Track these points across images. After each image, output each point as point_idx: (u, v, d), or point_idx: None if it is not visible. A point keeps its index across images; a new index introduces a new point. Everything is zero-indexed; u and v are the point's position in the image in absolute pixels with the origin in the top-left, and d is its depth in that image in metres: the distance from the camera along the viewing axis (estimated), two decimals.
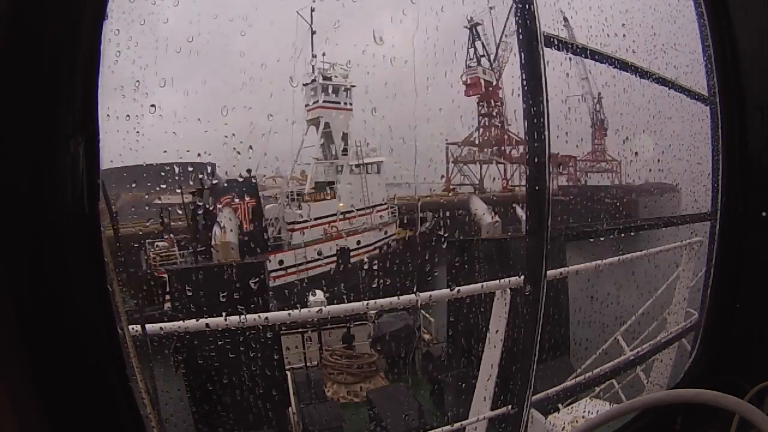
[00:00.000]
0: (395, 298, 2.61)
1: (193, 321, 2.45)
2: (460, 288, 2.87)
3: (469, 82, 29.94)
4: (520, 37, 1.99)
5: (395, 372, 9.18)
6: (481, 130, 31.09)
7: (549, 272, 2.24)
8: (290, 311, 2.61)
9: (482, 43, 30.10)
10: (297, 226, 17.92)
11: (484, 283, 2.91)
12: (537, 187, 2.07)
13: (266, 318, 2.66)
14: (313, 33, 20.67)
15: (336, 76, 20.85)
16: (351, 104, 21.28)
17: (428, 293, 2.90)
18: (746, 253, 2.45)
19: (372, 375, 8.91)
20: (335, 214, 19.13)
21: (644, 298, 4.56)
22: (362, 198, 20.19)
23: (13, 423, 0.95)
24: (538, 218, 2.11)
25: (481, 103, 30.32)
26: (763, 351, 2.30)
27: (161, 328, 2.22)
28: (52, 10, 0.97)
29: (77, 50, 1.02)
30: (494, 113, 30.26)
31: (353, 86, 21.11)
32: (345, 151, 21.10)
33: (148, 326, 1.96)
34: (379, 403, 6.93)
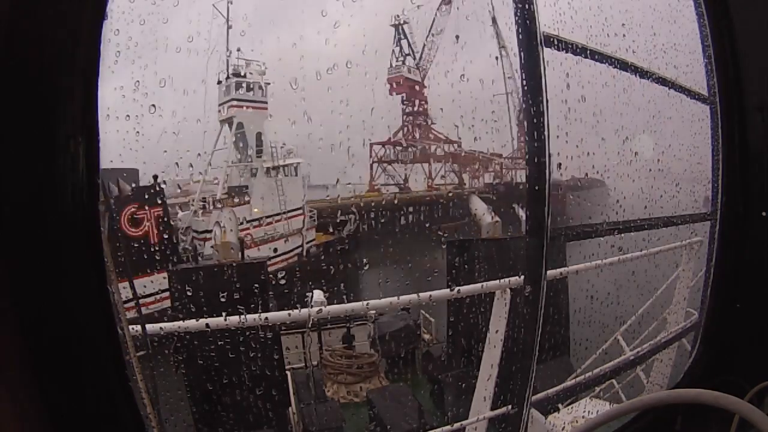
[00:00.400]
0: (395, 297, 2.62)
1: (193, 321, 2.46)
2: (460, 288, 2.87)
3: (393, 81, 29.46)
4: (520, 37, 1.99)
5: (395, 372, 9.17)
6: (405, 129, 30.60)
7: (549, 272, 2.24)
8: (290, 311, 2.62)
9: (408, 42, 29.83)
10: (208, 236, 15.33)
11: (484, 283, 2.91)
12: (537, 187, 2.07)
13: (266, 318, 2.66)
14: (229, 28, 18.71)
15: (251, 73, 19.15)
16: (266, 102, 19.57)
17: (428, 293, 2.90)
18: (746, 253, 2.45)
19: (372, 375, 8.91)
20: (250, 221, 17.48)
21: (644, 298, 4.56)
22: (279, 202, 18.44)
23: (13, 423, 0.95)
24: (538, 218, 2.11)
25: (405, 103, 29.86)
26: (763, 351, 2.30)
27: (161, 328, 2.22)
28: (53, 10, 0.97)
29: (77, 50, 1.02)
30: (419, 112, 29.81)
31: (269, 83, 19.33)
32: (260, 152, 19.22)
33: (148, 326, 1.96)
34: (379, 403, 6.92)
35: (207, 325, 2.39)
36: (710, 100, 2.61)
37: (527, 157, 2.08)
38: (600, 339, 4.60)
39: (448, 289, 3.08)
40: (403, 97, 29.89)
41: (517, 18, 1.98)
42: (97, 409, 1.12)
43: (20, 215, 0.98)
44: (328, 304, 2.74)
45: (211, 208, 17.25)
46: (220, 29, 18.61)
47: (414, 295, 2.68)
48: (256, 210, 18.15)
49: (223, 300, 5.09)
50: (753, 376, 2.00)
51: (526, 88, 2.01)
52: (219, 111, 19.42)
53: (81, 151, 1.04)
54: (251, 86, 19.22)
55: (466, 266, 6.38)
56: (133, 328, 1.39)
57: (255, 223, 17.69)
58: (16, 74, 0.93)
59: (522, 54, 2.00)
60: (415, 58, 29.98)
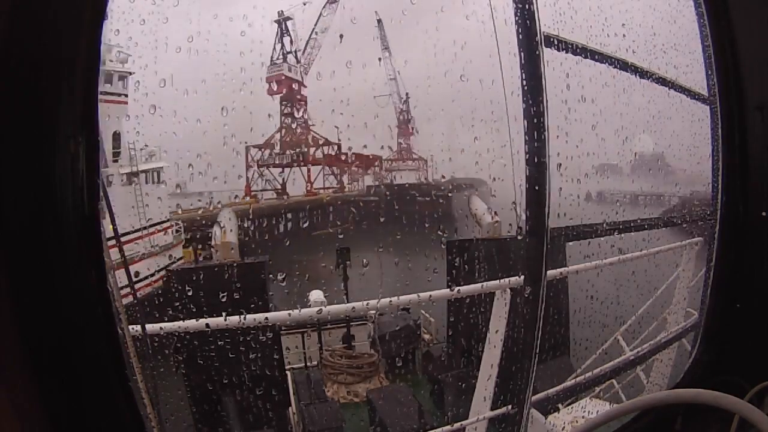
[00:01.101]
0: (395, 297, 2.62)
1: (193, 321, 2.46)
2: (460, 288, 2.88)
3: (273, 80, 26.73)
4: (520, 37, 1.99)
5: (395, 372, 9.17)
6: (284, 131, 27.87)
7: (549, 272, 2.24)
8: (290, 311, 2.62)
9: (291, 39, 27.17)
10: None
11: (484, 283, 2.92)
12: (537, 187, 2.07)
13: (266, 318, 2.66)
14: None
15: (111, 60, 15.62)
16: (126, 95, 15.96)
17: (428, 293, 2.91)
18: (746, 253, 2.45)
19: (372, 375, 8.91)
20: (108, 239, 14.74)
21: (644, 298, 4.56)
22: (139, 215, 15.20)
23: (13, 423, 0.95)
24: (538, 218, 2.11)
25: (284, 103, 27.25)
26: (763, 351, 2.30)
27: (161, 328, 2.22)
28: (53, 10, 0.97)
29: (77, 50, 1.02)
30: (297, 113, 27.33)
31: (131, 73, 15.86)
32: (116, 155, 15.68)
33: (148, 326, 1.96)
34: (379, 403, 6.92)
35: (207, 325, 2.39)
36: (710, 100, 2.61)
37: (527, 157, 2.08)
38: (600, 339, 4.60)
39: (448, 289, 3.09)
40: (282, 96, 27.25)
41: (517, 18, 1.98)
42: (97, 409, 1.12)
43: (20, 215, 0.98)
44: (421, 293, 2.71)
45: None
46: None
47: (414, 295, 2.68)
48: (110, 227, 15.00)
49: (223, 300, 5.09)
50: (753, 376, 2.00)
51: (526, 88, 2.01)
52: None
53: (81, 151, 1.04)
54: (110, 76, 15.49)
55: (466, 266, 6.38)
56: (133, 328, 1.39)
57: (110, 243, 14.68)
58: (16, 74, 0.93)
59: (522, 54, 2.00)
60: (297, 57, 27.19)
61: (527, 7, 1.95)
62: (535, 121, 2.03)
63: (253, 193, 26.31)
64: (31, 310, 0.99)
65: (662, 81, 2.73)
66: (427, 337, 10.32)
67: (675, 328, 3.79)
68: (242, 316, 2.37)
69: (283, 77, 27.34)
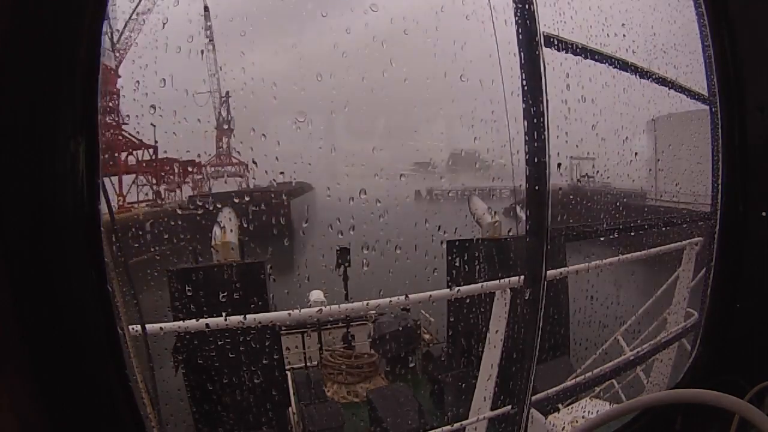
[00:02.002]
0: (395, 297, 2.62)
1: (193, 321, 2.46)
2: (460, 288, 2.88)
3: None
4: (520, 37, 1.99)
5: (395, 372, 9.17)
6: None
7: (549, 272, 2.24)
8: (290, 311, 2.62)
9: (108, 21, 24.23)
10: None
11: (484, 283, 2.92)
12: (537, 187, 2.07)
13: (266, 318, 2.66)
14: None
15: None
16: None
17: (428, 293, 2.91)
18: (746, 253, 2.45)
19: (372, 375, 8.91)
20: None
21: (644, 298, 4.56)
22: None
23: (13, 423, 0.95)
24: (538, 218, 2.11)
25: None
26: (763, 351, 2.30)
27: (161, 328, 2.22)
28: (53, 10, 0.97)
29: (77, 50, 1.02)
30: (110, 107, 22.17)
31: None
32: None
33: (148, 326, 1.96)
34: (379, 403, 6.92)
35: (207, 325, 2.39)
36: (710, 100, 2.61)
37: (527, 157, 2.08)
38: (600, 339, 4.60)
39: (448, 289, 3.09)
40: None
41: (517, 18, 1.98)
42: (97, 409, 1.12)
43: (20, 215, 0.98)
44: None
45: None
46: None
47: (414, 295, 2.68)
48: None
49: (222, 300, 5.09)
50: (753, 376, 2.00)
51: (526, 88, 2.01)
52: None
53: (81, 151, 1.04)
54: None
55: (466, 266, 6.38)
56: (133, 328, 1.39)
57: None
58: (16, 74, 0.93)
59: (522, 54, 2.00)
60: (112, 40, 21.72)
61: (527, 7, 1.95)
62: (535, 121, 2.03)
63: None
64: (30, 310, 0.99)
65: (662, 81, 2.73)
66: (427, 337, 10.32)
67: (675, 328, 3.79)
68: (242, 316, 2.37)
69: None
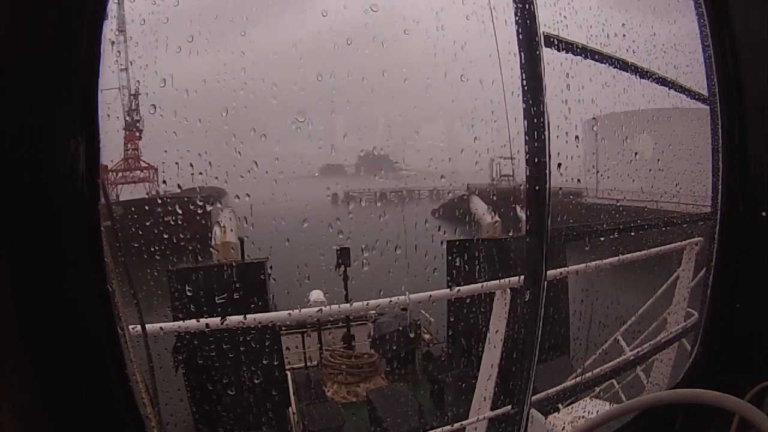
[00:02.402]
0: (395, 298, 2.62)
1: (193, 321, 2.46)
2: (460, 288, 2.88)
3: None
4: (520, 37, 1.99)
5: (395, 372, 9.17)
6: None
7: (549, 272, 2.24)
8: (290, 311, 2.62)
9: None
10: None
11: (484, 283, 2.92)
12: (537, 187, 2.07)
13: (266, 318, 2.66)
14: None
15: None
16: None
17: (428, 293, 2.91)
18: (746, 253, 2.45)
19: (372, 375, 8.91)
20: None
21: (644, 298, 4.56)
22: None
23: (13, 423, 0.95)
24: (538, 218, 2.11)
25: None
26: (763, 351, 2.30)
27: (161, 328, 2.22)
28: (53, 10, 0.97)
29: (77, 50, 1.02)
30: None
31: None
32: None
33: (148, 326, 1.96)
34: (379, 403, 6.92)
35: (207, 325, 2.39)
36: (710, 100, 2.61)
37: (527, 157, 2.08)
38: (600, 339, 4.60)
39: (448, 289, 3.09)
40: None
41: (517, 18, 1.98)
42: (97, 410, 1.12)
43: (20, 215, 0.98)
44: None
45: None
46: None
47: (414, 295, 2.68)
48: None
49: (222, 300, 5.09)
50: (753, 376, 2.00)
51: (526, 88, 2.01)
52: None
53: (81, 151, 1.04)
54: None
55: (466, 266, 6.38)
56: (132, 328, 1.39)
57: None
58: (16, 74, 0.93)
59: (522, 54, 2.00)
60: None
61: (527, 7, 1.96)
62: (535, 121, 2.03)
63: None
64: (30, 310, 0.99)
65: (662, 81, 2.73)
66: (427, 337, 10.31)
67: (675, 328, 3.79)
68: (242, 316, 2.38)
69: None
